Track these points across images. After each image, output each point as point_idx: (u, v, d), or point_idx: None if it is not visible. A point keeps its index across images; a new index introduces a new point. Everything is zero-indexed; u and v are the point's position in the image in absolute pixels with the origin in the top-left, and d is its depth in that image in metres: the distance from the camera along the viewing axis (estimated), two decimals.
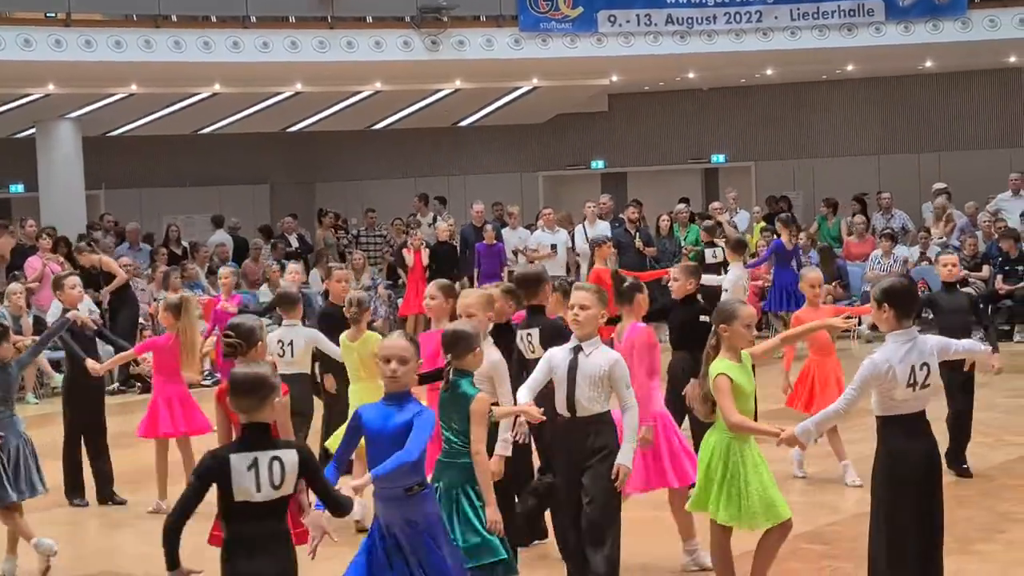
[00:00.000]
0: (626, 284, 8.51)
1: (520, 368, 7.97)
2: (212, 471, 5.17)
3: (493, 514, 6.46)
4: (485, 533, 6.46)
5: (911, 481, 6.37)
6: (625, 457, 6.91)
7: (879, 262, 20.23)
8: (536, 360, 7.56)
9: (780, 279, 18.28)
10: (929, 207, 22.19)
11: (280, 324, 10.86)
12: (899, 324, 6.46)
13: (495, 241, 20.37)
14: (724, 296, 12.60)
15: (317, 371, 11.07)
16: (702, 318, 8.68)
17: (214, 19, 20.58)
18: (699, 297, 9.93)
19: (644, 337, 8.06)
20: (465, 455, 6.51)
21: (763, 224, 22.01)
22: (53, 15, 19.26)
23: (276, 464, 5.19)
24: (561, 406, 7.03)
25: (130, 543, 9.18)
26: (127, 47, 19.32)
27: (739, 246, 13.47)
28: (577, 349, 7.07)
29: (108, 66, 19.60)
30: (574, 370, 6.98)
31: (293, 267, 15.39)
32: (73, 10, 19.11)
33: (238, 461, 5.16)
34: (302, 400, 9.82)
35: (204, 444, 10.92)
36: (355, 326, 9.73)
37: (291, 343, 10.23)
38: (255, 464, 5.16)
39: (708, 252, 18.34)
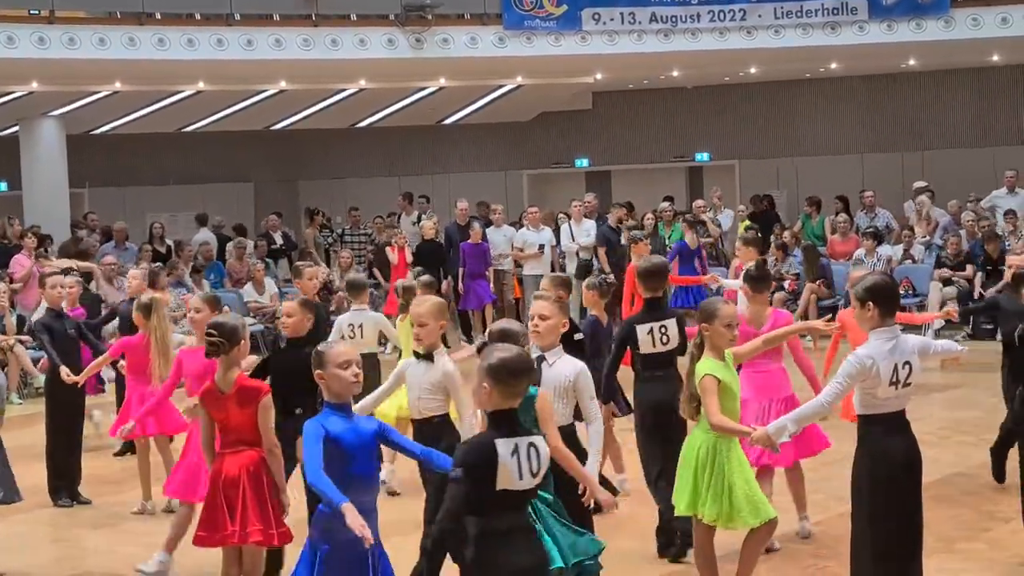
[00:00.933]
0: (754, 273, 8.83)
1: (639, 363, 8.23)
2: (481, 460, 4.97)
3: (597, 492, 6.50)
4: (573, 528, 6.37)
5: (892, 479, 6.39)
6: (591, 469, 6.78)
7: (862, 261, 20.25)
8: (658, 354, 8.04)
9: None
10: (911, 206, 22.25)
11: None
12: (882, 322, 6.45)
13: (481, 240, 20.37)
14: (740, 296, 12.53)
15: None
16: (576, 336, 8.42)
17: (198, 16, 20.53)
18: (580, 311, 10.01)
19: (788, 320, 8.61)
20: None
21: (747, 223, 22.04)
22: (36, 12, 19.19)
23: (533, 450, 5.05)
24: None
25: (113, 543, 9.17)
26: (111, 44, 19.28)
27: (756, 244, 13.31)
28: (540, 359, 7.00)
29: (92, 64, 19.56)
30: (538, 381, 6.83)
31: (135, 273, 13.02)
32: (57, 7, 19.06)
33: (503, 447, 4.99)
34: (371, 378, 9.93)
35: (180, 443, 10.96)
36: (403, 311, 10.74)
37: (360, 326, 11.18)
38: (516, 450, 5.01)
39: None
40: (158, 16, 20.01)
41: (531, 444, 5.05)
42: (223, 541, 7.04)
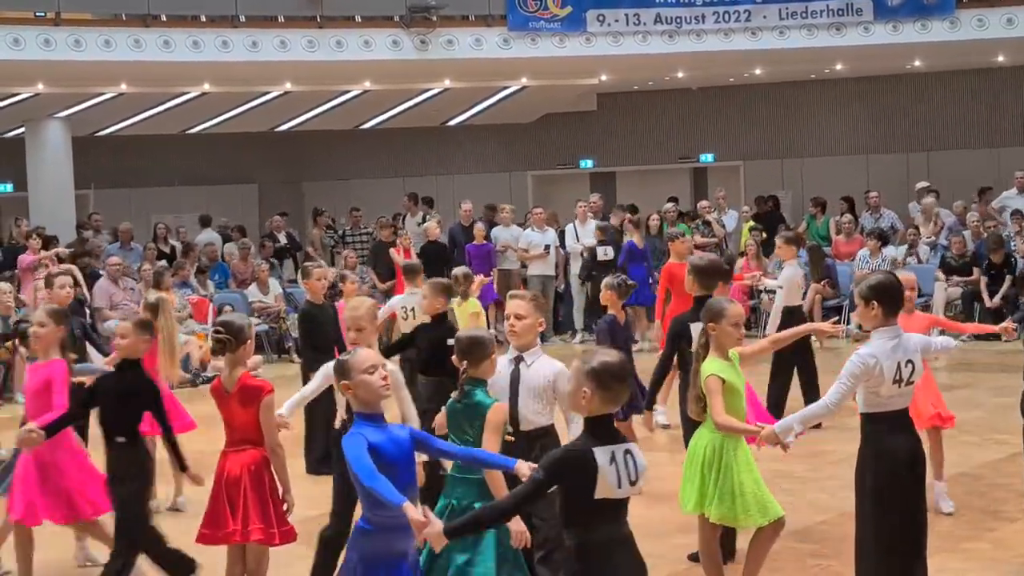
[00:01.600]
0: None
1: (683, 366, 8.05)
2: (579, 470, 4.81)
3: (517, 525, 6.05)
4: (510, 555, 6.14)
5: (896, 476, 6.40)
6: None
7: (867, 261, 20.25)
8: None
9: (632, 278, 18.48)
10: (916, 206, 22.24)
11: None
12: (886, 321, 6.48)
13: (484, 240, 20.39)
14: (778, 294, 12.48)
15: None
16: (449, 341, 8.05)
17: (203, 18, 20.57)
18: (448, 317, 9.79)
19: None
20: (478, 470, 6.22)
21: (751, 224, 22.05)
22: (42, 14, 19.25)
23: (629, 457, 4.90)
24: None
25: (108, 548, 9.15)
26: (116, 46, 19.32)
27: (796, 242, 13.25)
28: (518, 360, 6.90)
29: (97, 65, 19.59)
30: (516, 382, 6.81)
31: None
32: (62, 9, 19.11)
33: (601, 455, 4.85)
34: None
35: (190, 441, 10.97)
36: (461, 297, 11.79)
37: (412, 309, 12.16)
38: (614, 458, 4.86)
39: (600, 251, 19.41)
40: (163, 18, 20.05)
41: (627, 451, 4.92)
42: (225, 539, 7.05)
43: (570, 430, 6.63)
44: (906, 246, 20.95)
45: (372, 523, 5.41)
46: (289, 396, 8.15)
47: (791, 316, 12.20)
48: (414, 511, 5.11)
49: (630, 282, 10.48)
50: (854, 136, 26.16)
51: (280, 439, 7.28)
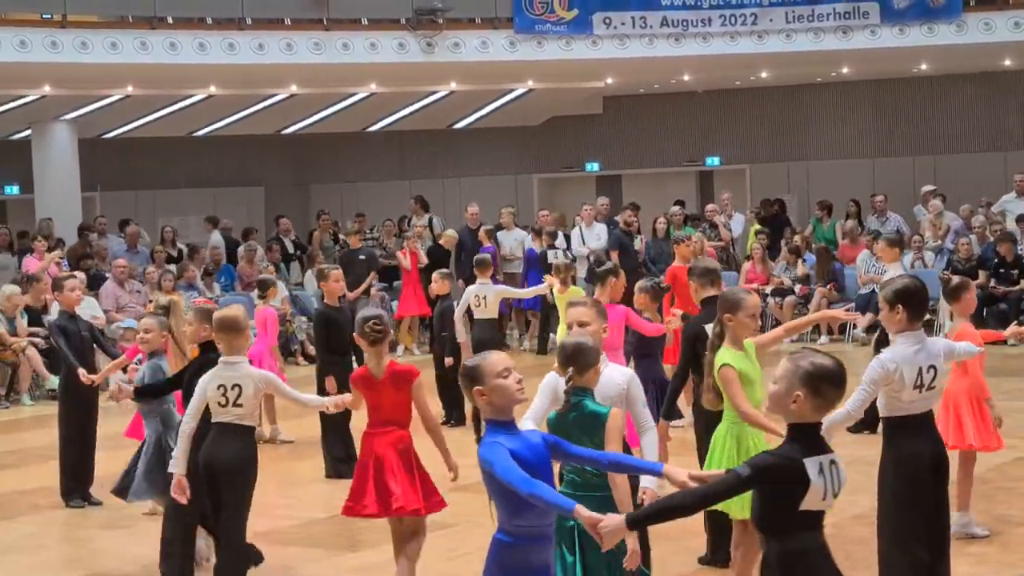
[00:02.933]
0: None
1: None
2: (789, 480, 4.56)
3: (634, 544, 5.74)
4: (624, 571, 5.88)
5: (918, 480, 6.40)
6: (649, 480, 6.28)
7: (874, 265, 20.24)
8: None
9: (533, 282, 19.05)
10: (922, 210, 22.23)
11: None
12: (910, 325, 6.49)
13: (487, 243, 20.38)
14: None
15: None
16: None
17: (209, 21, 20.58)
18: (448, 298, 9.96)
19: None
20: (603, 486, 5.93)
21: (757, 227, 22.04)
22: (49, 16, 19.27)
23: (835, 468, 4.63)
24: None
25: (125, 544, 9.20)
26: (123, 49, 19.33)
27: (898, 244, 13.14)
28: None
29: (104, 68, 19.61)
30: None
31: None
32: (69, 11, 19.12)
33: (812, 467, 4.57)
34: (492, 340, 13.06)
35: None
36: (563, 285, 12.68)
37: (485, 297, 13.36)
38: (822, 469, 4.58)
39: (550, 253, 19.56)
40: (170, 20, 20.08)
41: (832, 461, 4.65)
42: (363, 512, 7.65)
43: (643, 440, 6.47)
44: (912, 250, 20.92)
45: (513, 534, 5.05)
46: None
47: None
48: (587, 511, 4.79)
49: (663, 284, 10.45)
50: (860, 139, 26.14)
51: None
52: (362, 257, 20.19)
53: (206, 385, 7.49)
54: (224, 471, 7.42)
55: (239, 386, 7.44)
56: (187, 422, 7.48)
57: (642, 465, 5.48)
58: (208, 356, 7.97)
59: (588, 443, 5.81)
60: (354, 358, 11.54)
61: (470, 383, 5.12)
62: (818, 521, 4.65)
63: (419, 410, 7.61)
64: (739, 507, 6.87)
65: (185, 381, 8.03)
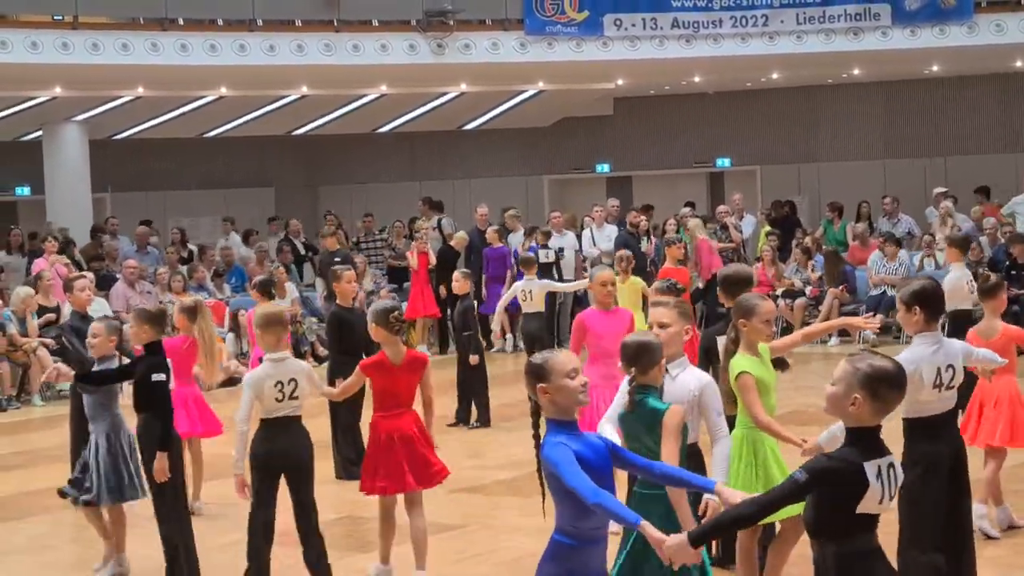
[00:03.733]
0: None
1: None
2: (848, 483, 4.52)
3: (698, 557, 5.55)
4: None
5: (935, 483, 6.41)
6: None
7: (884, 266, 20.21)
8: None
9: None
10: (932, 212, 22.19)
11: None
12: (927, 326, 6.52)
13: (499, 244, 20.39)
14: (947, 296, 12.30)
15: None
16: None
17: (220, 22, 20.60)
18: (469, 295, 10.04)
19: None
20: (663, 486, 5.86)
21: (768, 228, 22.01)
22: (60, 18, 19.30)
23: (892, 472, 4.58)
24: None
25: (133, 544, 9.17)
26: (134, 50, 19.36)
27: (962, 244, 13.05)
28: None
29: (115, 69, 19.64)
30: (660, 395, 6.36)
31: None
32: (80, 13, 19.15)
33: (871, 470, 4.52)
34: (539, 330, 15.04)
35: (218, 447, 10.98)
36: (623, 274, 13.62)
37: (530, 291, 14.65)
38: (880, 473, 4.54)
39: (541, 252, 19.62)
40: (181, 22, 20.09)
41: (891, 465, 4.59)
42: (407, 487, 8.06)
43: (717, 448, 6.39)
44: (922, 252, 20.88)
45: (573, 536, 4.95)
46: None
47: (958, 320, 11.67)
48: (652, 528, 4.73)
49: (679, 285, 10.37)
50: (871, 141, 26.10)
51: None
52: (338, 259, 19.67)
53: (260, 384, 7.73)
54: (299, 462, 7.90)
55: (295, 380, 7.82)
56: (242, 424, 7.70)
57: (695, 481, 5.32)
58: (157, 357, 8.17)
59: (649, 440, 5.86)
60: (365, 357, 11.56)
61: (535, 379, 4.98)
62: (874, 524, 4.61)
63: (424, 389, 8.18)
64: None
65: (137, 379, 8.11)
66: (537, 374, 4.98)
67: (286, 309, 19.85)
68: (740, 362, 6.95)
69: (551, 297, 18.74)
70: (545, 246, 20.36)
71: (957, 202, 21.85)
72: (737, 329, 7.06)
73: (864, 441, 4.58)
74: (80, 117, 22.87)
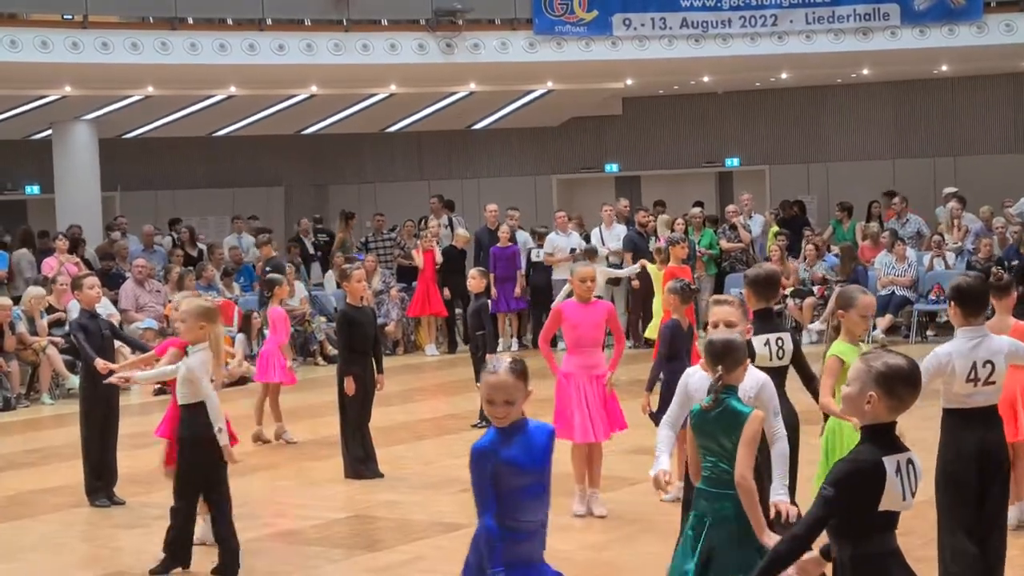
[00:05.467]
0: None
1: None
2: (868, 480, 4.51)
3: (771, 540, 5.66)
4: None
5: (959, 472, 6.58)
6: (778, 494, 6.23)
7: (893, 267, 20.19)
8: (773, 369, 7.22)
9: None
10: (942, 211, 22.17)
11: None
12: (966, 321, 6.74)
13: (510, 243, 20.39)
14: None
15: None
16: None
17: (230, 21, 20.64)
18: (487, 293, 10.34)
19: None
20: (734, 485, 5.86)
21: (777, 228, 22.00)
22: (70, 17, 19.34)
23: (911, 468, 4.59)
24: None
25: (146, 543, 9.20)
26: (143, 49, 19.38)
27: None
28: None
29: (124, 68, 19.67)
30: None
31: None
32: (90, 12, 19.19)
33: (889, 465, 4.53)
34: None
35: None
36: (662, 264, 15.20)
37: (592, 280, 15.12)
38: (899, 468, 4.54)
39: (534, 252, 20.61)
40: (190, 21, 20.13)
41: (909, 460, 4.60)
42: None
43: (775, 449, 6.35)
44: (931, 252, 20.86)
45: (506, 528, 5.27)
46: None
47: None
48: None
49: (693, 286, 10.39)
50: (880, 141, 26.07)
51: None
52: (268, 268, 19.12)
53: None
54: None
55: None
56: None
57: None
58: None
59: (726, 441, 5.82)
60: (373, 358, 11.57)
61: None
62: (892, 524, 4.61)
63: None
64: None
65: None
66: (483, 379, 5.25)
67: (296, 309, 20.02)
68: (837, 347, 7.24)
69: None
70: (540, 246, 20.67)
71: (966, 203, 21.83)
72: (837, 319, 7.35)
73: (880, 437, 4.60)
74: (90, 116, 22.91)
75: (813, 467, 7.61)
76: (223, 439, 8.31)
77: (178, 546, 8.46)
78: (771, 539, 5.71)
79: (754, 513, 5.80)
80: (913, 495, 4.61)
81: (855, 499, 4.51)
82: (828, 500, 4.50)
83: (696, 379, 6.37)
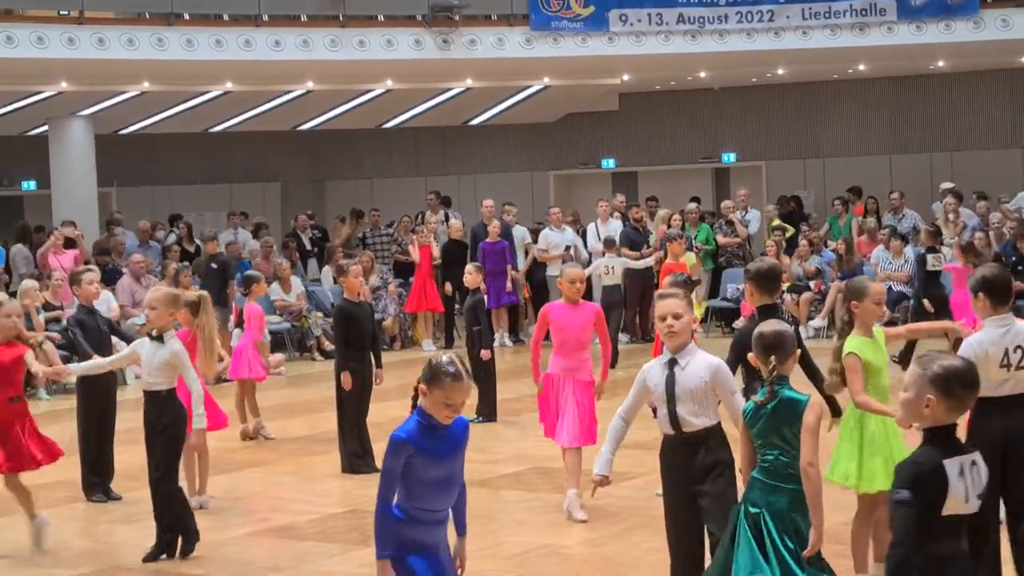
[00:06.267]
0: None
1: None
2: (932, 484, 4.46)
3: (819, 539, 5.84)
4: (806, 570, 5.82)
5: (989, 461, 6.58)
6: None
7: (890, 263, 20.20)
8: None
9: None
10: (939, 207, 22.18)
11: None
12: (994, 311, 6.89)
13: (499, 238, 20.36)
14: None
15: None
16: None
17: (226, 17, 20.62)
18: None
19: None
20: (795, 478, 5.87)
21: (777, 222, 22.00)
22: (66, 13, 19.32)
23: (975, 469, 4.56)
24: (665, 424, 6.49)
25: (143, 538, 9.20)
26: (139, 45, 19.36)
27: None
28: (672, 363, 6.47)
29: (120, 64, 19.64)
30: (672, 386, 6.42)
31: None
32: (86, 8, 19.15)
33: (951, 468, 4.49)
34: (619, 302, 18.74)
35: (221, 441, 11.00)
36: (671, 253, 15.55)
37: (612, 267, 18.44)
38: (962, 470, 4.50)
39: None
40: (186, 17, 20.10)
41: (973, 462, 4.56)
42: None
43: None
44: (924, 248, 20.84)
45: (406, 513, 5.49)
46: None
47: None
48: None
49: (694, 279, 10.37)
50: (877, 136, 26.09)
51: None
52: (214, 265, 19.23)
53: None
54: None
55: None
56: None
57: None
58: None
59: (787, 432, 5.86)
60: (372, 353, 11.57)
61: (423, 378, 5.51)
62: (960, 527, 4.56)
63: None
64: (866, 481, 7.22)
65: None
66: (425, 375, 5.51)
67: (293, 304, 20.03)
68: (851, 343, 7.25)
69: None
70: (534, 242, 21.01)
71: (962, 198, 21.83)
72: (850, 312, 7.33)
73: (941, 440, 4.55)
74: (86, 112, 22.88)
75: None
76: (202, 423, 8.97)
77: (189, 521, 8.87)
78: (815, 534, 5.83)
79: (815, 502, 5.84)
80: (979, 497, 4.54)
81: (922, 502, 4.46)
82: (906, 502, 4.46)
83: (654, 373, 6.48)
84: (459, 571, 5.66)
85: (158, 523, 8.82)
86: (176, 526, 8.78)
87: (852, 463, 7.25)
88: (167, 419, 8.75)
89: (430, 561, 5.46)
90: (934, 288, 17.05)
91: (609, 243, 18.96)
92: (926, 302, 16.77)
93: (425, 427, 5.48)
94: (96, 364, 9.79)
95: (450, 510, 5.61)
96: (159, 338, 8.93)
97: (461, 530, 5.72)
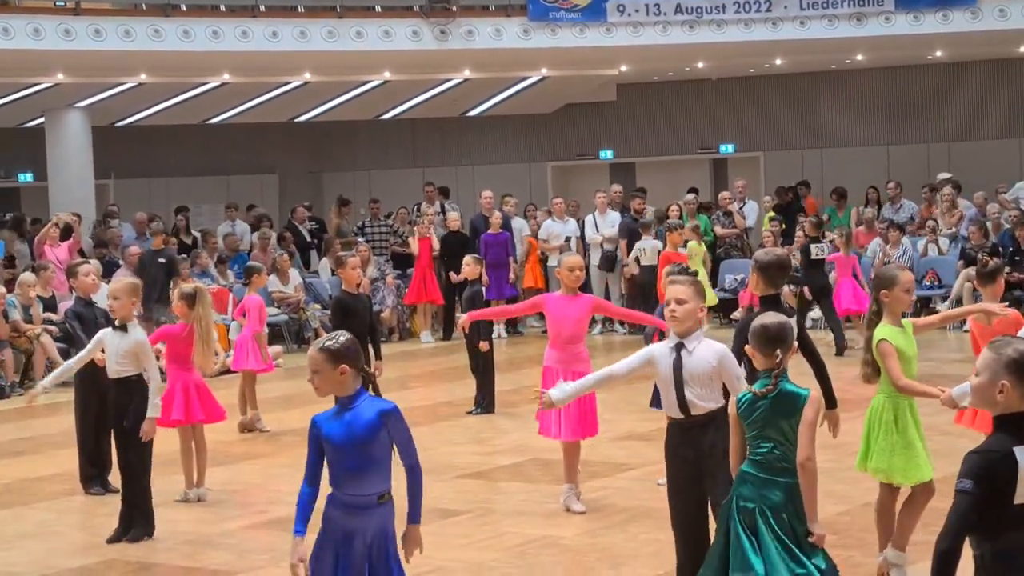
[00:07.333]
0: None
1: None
2: (1001, 472, 4.33)
3: (821, 530, 5.87)
4: (809, 563, 5.82)
5: None
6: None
7: (885, 253, 20.18)
8: None
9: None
10: (936, 198, 22.17)
11: None
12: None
13: (500, 230, 20.35)
14: None
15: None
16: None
17: (223, 8, 20.60)
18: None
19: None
20: (789, 471, 5.86)
21: (772, 214, 21.99)
22: (62, 4, 19.31)
23: None
24: (672, 409, 6.54)
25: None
26: (136, 36, 19.34)
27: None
28: (679, 347, 6.51)
29: (117, 55, 19.63)
30: (679, 369, 6.46)
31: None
32: None
33: (1022, 455, 4.34)
34: (652, 283, 18.03)
35: (219, 433, 10.99)
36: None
37: (644, 249, 19.49)
38: None
39: None
40: (183, 8, 20.10)
41: None
42: None
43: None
44: (925, 238, 20.85)
45: (335, 495, 5.62)
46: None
47: None
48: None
49: (691, 270, 10.32)
50: (875, 127, 26.06)
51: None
52: (162, 260, 18.73)
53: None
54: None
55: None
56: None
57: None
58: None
59: (785, 425, 5.85)
60: (371, 345, 11.55)
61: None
62: None
63: None
64: (902, 474, 7.21)
65: None
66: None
67: (288, 296, 20.00)
68: (881, 331, 7.23)
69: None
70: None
71: (960, 189, 21.83)
72: (879, 301, 7.32)
73: (1012, 426, 4.41)
74: (83, 104, 22.85)
75: (828, 451, 7.55)
76: (156, 412, 9.06)
77: (149, 508, 9.20)
78: (819, 528, 5.83)
79: (811, 496, 5.84)
80: None
81: (990, 492, 4.33)
82: (972, 494, 4.33)
83: (661, 354, 6.56)
84: (406, 560, 5.62)
85: (124, 502, 9.14)
86: (136, 505, 9.05)
87: (895, 458, 7.20)
88: (137, 401, 8.98)
89: (340, 546, 5.56)
90: (817, 276, 17.60)
91: (646, 226, 20.07)
92: (805, 290, 17.50)
93: (335, 410, 5.68)
94: (65, 369, 9.91)
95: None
96: (123, 327, 9.12)
97: (412, 518, 5.62)
